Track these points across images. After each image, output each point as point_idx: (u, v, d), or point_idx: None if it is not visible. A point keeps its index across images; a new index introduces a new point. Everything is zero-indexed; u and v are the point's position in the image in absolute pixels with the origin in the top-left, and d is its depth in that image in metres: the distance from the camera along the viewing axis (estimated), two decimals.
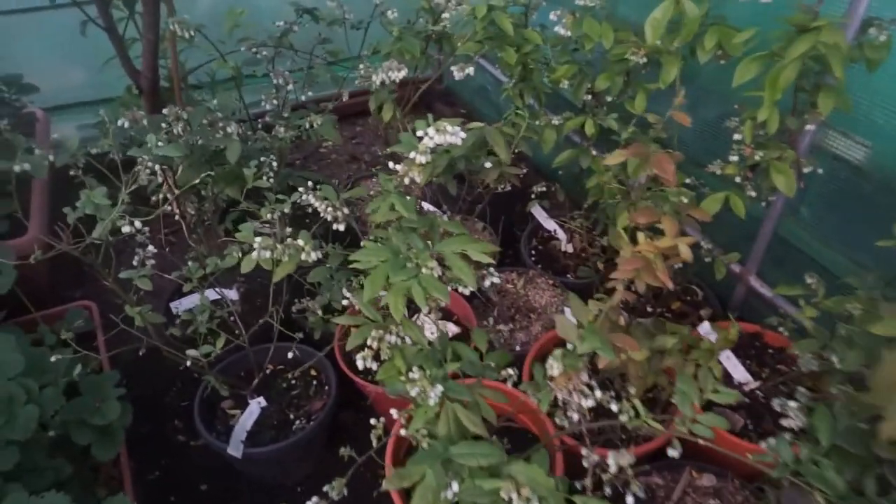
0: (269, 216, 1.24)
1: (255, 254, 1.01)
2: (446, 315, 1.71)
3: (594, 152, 1.77)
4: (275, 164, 1.42)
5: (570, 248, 2.04)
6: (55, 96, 2.58)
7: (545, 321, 1.75)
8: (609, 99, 1.74)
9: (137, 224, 1.05)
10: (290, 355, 1.48)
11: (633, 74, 1.65)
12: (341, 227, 1.16)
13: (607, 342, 0.92)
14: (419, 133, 1.03)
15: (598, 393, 0.95)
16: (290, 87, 1.72)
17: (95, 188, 1.16)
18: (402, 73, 1.44)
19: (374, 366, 0.98)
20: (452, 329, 1.65)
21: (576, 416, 0.95)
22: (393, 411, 0.99)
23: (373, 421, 1.03)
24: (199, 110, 1.42)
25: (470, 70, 1.50)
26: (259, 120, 1.94)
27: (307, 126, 1.55)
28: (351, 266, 0.99)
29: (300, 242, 1.03)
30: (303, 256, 1.03)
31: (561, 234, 2.07)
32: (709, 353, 1.18)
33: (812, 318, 1.20)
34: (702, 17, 1.35)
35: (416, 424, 0.87)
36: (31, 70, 2.30)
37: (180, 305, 1.67)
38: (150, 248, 1.17)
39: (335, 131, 1.54)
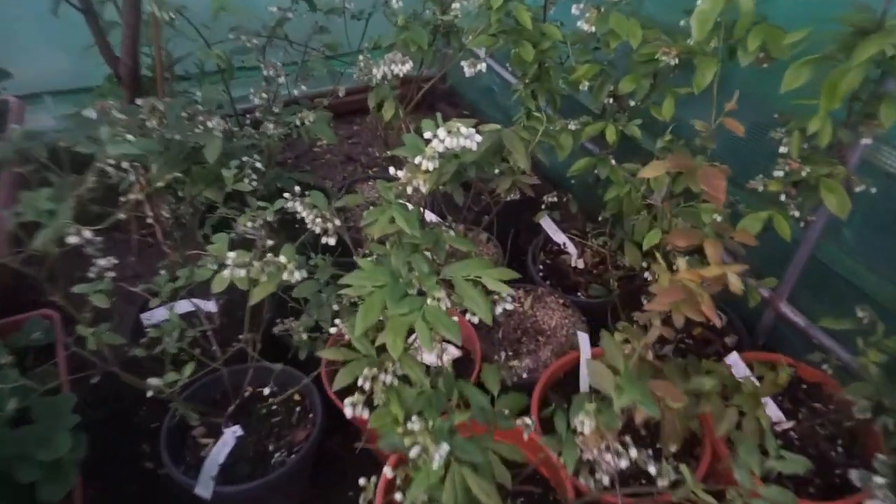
0: (248, 224, 1.08)
1: (226, 272, 0.85)
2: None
3: (613, 161, 1.62)
4: (259, 164, 1.25)
5: (580, 264, 1.89)
6: (32, 83, 2.41)
7: (555, 345, 1.59)
8: (632, 103, 1.59)
9: (86, 234, 0.89)
10: (269, 384, 1.32)
11: (661, 77, 1.50)
12: (331, 241, 1.00)
13: (648, 393, 0.76)
14: (426, 135, 0.87)
15: (634, 452, 0.80)
16: (282, 79, 1.56)
17: (56, 185, 1.00)
18: (407, 67, 1.28)
19: (366, 413, 0.82)
20: (453, 352, 1.50)
21: (606, 479, 0.79)
22: (387, 469, 0.82)
23: (361, 481, 0.86)
24: (177, 102, 1.26)
25: (482, 66, 1.34)
26: (247, 116, 1.78)
27: (298, 123, 1.39)
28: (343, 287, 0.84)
29: (282, 259, 0.87)
30: (285, 276, 0.87)
31: (571, 249, 1.91)
32: (753, 400, 1.03)
33: (875, 362, 1.04)
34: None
35: (416, 491, 0.71)
36: (6, 55, 2.13)
37: (152, 317, 1.50)
38: (108, 259, 1.00)
39: (330, 130, 1.38)
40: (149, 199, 1.35)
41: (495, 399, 0.88)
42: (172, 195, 1.46)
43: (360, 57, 1.37)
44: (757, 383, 1.15)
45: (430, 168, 0.88)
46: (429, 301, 0.74)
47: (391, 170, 0.95)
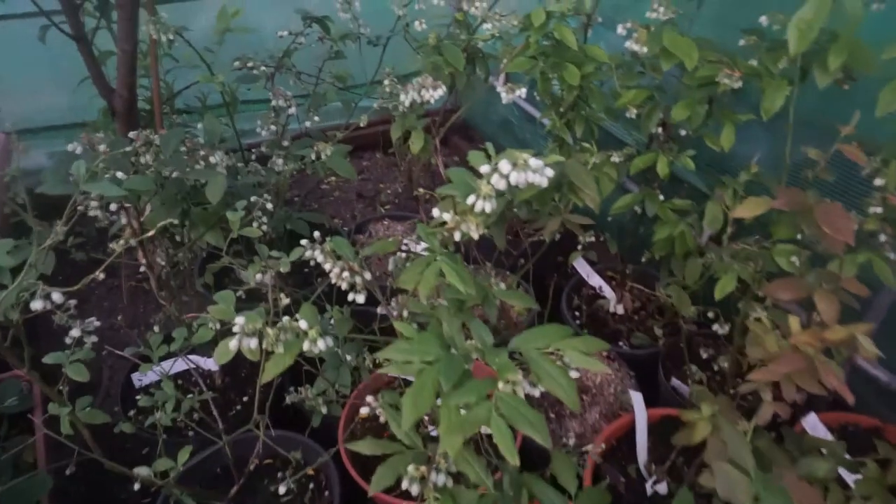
0: (258, 277, 0.91)
1: (233, 342, 0.67)
2: None
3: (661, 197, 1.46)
4: (270, 205, 1.09)
5: (620, 310, 1.71)
6: (25, 119, 2.27)
7: (603, 405, 1.40)
8: (682, 133, 1.43)
9: (56, 297, 0.71)
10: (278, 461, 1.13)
11: (717, 103, 1.34)
12: (360, 299, 0.82)
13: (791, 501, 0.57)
14: (483, 169, 0.70)
15: None
16: (293, 109, 1.40)
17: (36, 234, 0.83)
18: (439, 93, 1.13)
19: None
20: None
21: None
22: None
23: None
24: (174, 133, 1.10)
25: (521, 92, 1.19)
26: (253, 150, 1.62)
27: (314, 158, 1.22)
28: (375, 353, 0.66)
29: (302, 325, 0.70)
30: (305, 347, 0.69)
31: (608, 293, 1.73)
32: (880, 487, 0.83)
33: None
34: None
35: None
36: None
37: (144, 379, 1.32)
38: (88, 322, 0.82)
39: (349, 164, 1.22)
40: (142, 245, 1.17)
41: (573, 498, 0.70)
42: (169, 239, 1.29)
43: (386, 81, 1.21)
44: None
45: (488, 210, 0.71)
46: (500, 386, 0.56)
47: (431, 210, 0.79)
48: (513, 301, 0.83)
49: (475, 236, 0.76)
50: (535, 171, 0.67)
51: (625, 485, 1.18)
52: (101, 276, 0.79)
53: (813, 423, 1.27)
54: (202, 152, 1.13)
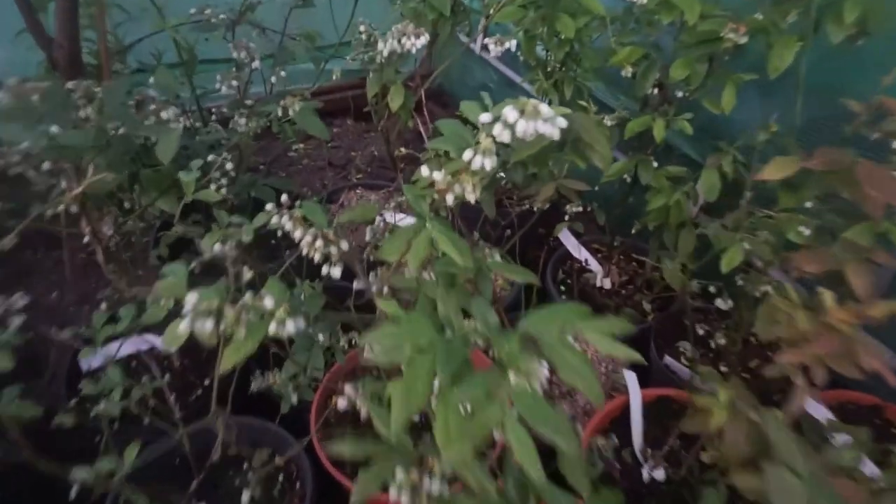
0: (217, 247, 0.79)
1: (184, 325, 0.56)
2: None
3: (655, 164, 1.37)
4: (230, 164, 0.96)
5: (607, 284, 1.62)
6: None
7: None
8: (679, 94, 1.34)
9: None
10: (244, 448, 1.02)
11: (717, 61, 1.25)
12: (336, 273, 0.71)
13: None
14: (483, 118, 0.59)
15: None
16: (256, 63, 1.27)
17: None
18: (422, 41, 1.00)
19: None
20: None
21: None
22: None
23: None
24: (120, 83, 0.96)
25: (512, 44, 1.07)
26: (214, 112, 1.48)
27: (280, 114, 1.09)
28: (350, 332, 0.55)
29: (267, 303, 0.58)
30: (272, 329, 0.58)
31: (595, 266, 1.65)
32: None
33: None
34: None
35: None
36: None
37: (92, 362, 1.19)
38: (15, 298, 0.70)
39: (320, 122, 1.09)
40: (85, 212, 1.04)
41: (585, 501, 0.61)
42: (118, 206, 1.15)
43: (361, 28, 1.08)
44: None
45: (489, 167, 0.60)
46: (512, 378, 0.46)
47: (410, 176, 0.68)
48: (511, 275, 0.73)
49: (471, 199, 0.65)
50: (545, 121, 0.56)
51: (620, 471, 1.11)
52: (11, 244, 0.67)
53: (812, 403, 1.21)
54: (153, 107, 1.00)
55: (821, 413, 1.22)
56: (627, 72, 1.26)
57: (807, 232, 1.07)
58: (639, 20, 1.29)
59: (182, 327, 0.56)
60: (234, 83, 1.29)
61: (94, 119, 0.94)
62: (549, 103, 1.39)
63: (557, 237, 1.66)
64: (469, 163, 0.61)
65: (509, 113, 0.56)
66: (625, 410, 1.21)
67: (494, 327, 0.52)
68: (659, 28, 1.27)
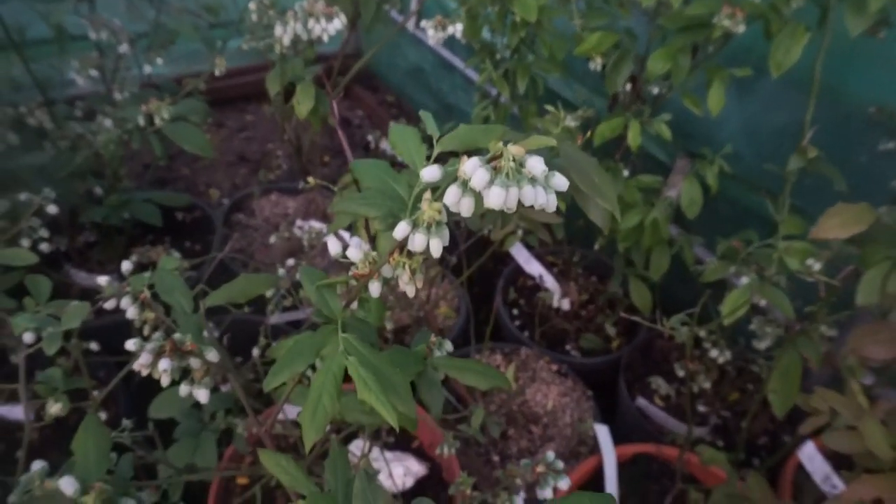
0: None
1: None
2: (403, 441, 1.03)
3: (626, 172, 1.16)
4: (53, 207, 0.68)
5: (565, 304, 1.41)
6: None
7: (558, 440, 1.11)
8: (656, 91, 1.12)
9: None
10: None
11: (701, 54, 1.04)
12: (202, 396, 0.45)
13: None
14: (426, 174, 0.35)
15: None
16: (124, 47, 0.97)
17: None
18: (336, 25, 0.74)
19: None
20: (415, 469, 0.99)
21: None
22: None
23: None
24: None
25: (456, 28, 0.82)
26: (78, 105, 1.16)
27: (142, 123, 0.81)
28: None
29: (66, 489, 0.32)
30: None
31: (551, 284, 1.44)
32: None
33: None
34: None
35: None
36: None
37: None
38: None
39: (204, 135, 0.81)
40: None
41: None
42: None
43: (252, 5, 0.80)
44: None
45: (435, 249, 0.36)
46: None
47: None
48: (469, 380, 0.49)
49: (410, 292, 0.41)
50: (534, 182, 0.32)
51: None
52: None
53: (810, 454, 1.04)
54: None
55: (818, 463, 1.05)
56: (597, 64, 1.03)
57: (816, 266, 0.88)
58: (609, 3, 1.06)
59: None
60: (95, 72, 0.99)
61: None
62: (499, 97, 1.16)
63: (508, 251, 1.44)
64: (403, 241, 0.37)
65: (476, 176, 0.32)
66: (596, 474, 1.01)
67: None
68: (631, 6, 1.04)
